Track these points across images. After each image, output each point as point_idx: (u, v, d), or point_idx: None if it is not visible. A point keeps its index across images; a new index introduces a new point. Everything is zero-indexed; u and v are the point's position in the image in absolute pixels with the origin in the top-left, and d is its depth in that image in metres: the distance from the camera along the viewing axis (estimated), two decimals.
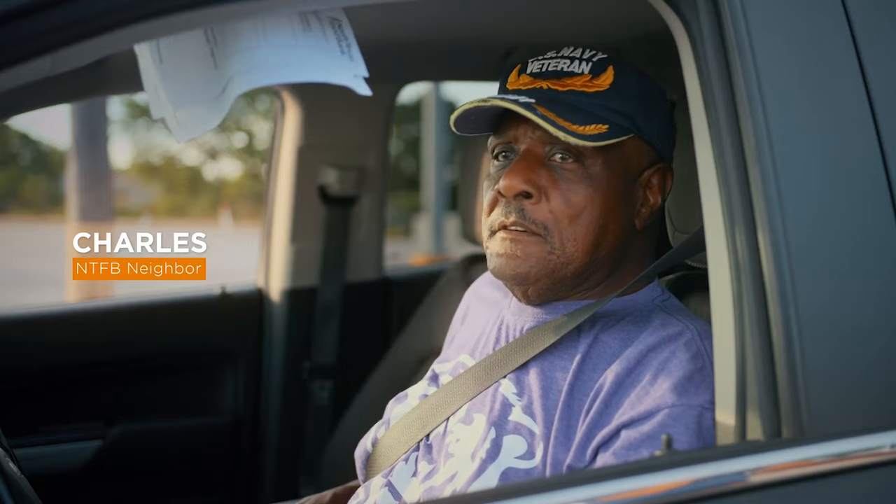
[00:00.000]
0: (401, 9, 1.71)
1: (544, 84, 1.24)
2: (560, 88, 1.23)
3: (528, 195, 1.22)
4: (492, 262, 1.25)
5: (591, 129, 1.19)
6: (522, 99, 1.21)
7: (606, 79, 1.23)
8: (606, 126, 1.20)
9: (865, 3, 1.14)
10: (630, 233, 1.26)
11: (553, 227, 1.21)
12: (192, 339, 2.46)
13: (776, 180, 1.06)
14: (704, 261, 1.15)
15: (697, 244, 1.23)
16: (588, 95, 1.22)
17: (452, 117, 1.26)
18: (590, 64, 1.24)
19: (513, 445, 1.19)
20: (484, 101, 1.22)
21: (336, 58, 1.06)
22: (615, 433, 1.13)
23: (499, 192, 1.24)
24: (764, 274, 1.06)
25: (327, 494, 1.51)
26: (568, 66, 1.25)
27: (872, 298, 1.09)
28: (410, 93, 18.12)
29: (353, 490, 1.49)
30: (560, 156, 1.22)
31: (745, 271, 1.07)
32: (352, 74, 1.05)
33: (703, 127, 1.12)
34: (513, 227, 1.23)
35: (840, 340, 1.07)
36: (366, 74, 1.05)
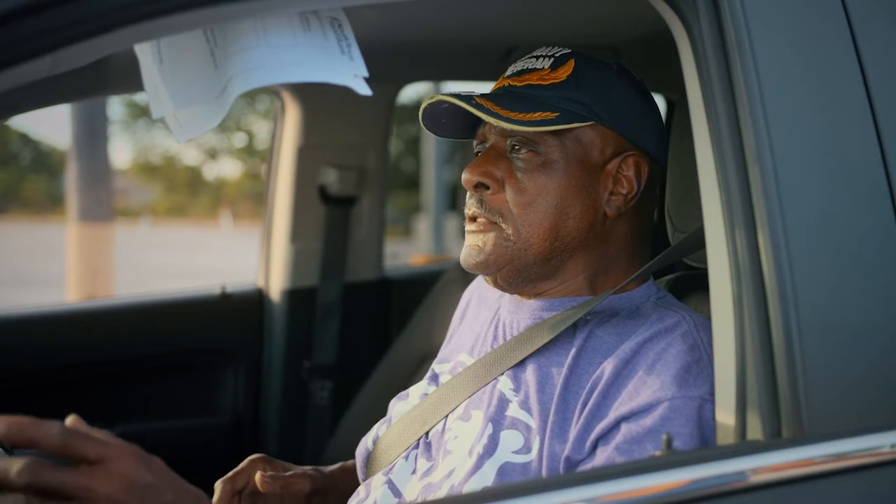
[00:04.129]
0: (401, 9, 1.71)
1: (507, 82, 1.30)
2: (518, 83, 1.29)
3: (486, 186, 1.26)
4: (461, 253, 1.30)
5: (536, 115, 1.22)
6: (465, 93, 1.26)
7: (565, 71, 1.27)
8: (556, 114, 1.23)
9: (865, 3, 1.14)
10: (598, 220, 1.27)
11: (508, 214, 1.25)
12: (192, 339, 2.46)
13: (776, 180, 1.06)
14: (704, 261, 1.15)
15: (695, 243, 1.23)
16: (543, 87, 1.27)
17: (421, 118, 1.32)
18: (551, 59, 1.29)
19: (509, 440, 1.19)
20: (431, 98, 1.28)
21: (336, 58, 1.06)
22: (615, 426, 1.13)
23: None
24: (764, 274, 1.06)
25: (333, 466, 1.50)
26: (532, 64, 1.30)
27: (872, 298, 1.09)
28: (410, 93, 18.13)
29: (352, 470, 1.49)
30: (517, 146, 1.26)
31: (745, 271, 1.07)
32: (352, 74, 1.05)
33: (703, 127, 1.12)
34: (475, 218, 1.28)
35: (840, 340, 1.07)
36: (366, 74, 1.05)
